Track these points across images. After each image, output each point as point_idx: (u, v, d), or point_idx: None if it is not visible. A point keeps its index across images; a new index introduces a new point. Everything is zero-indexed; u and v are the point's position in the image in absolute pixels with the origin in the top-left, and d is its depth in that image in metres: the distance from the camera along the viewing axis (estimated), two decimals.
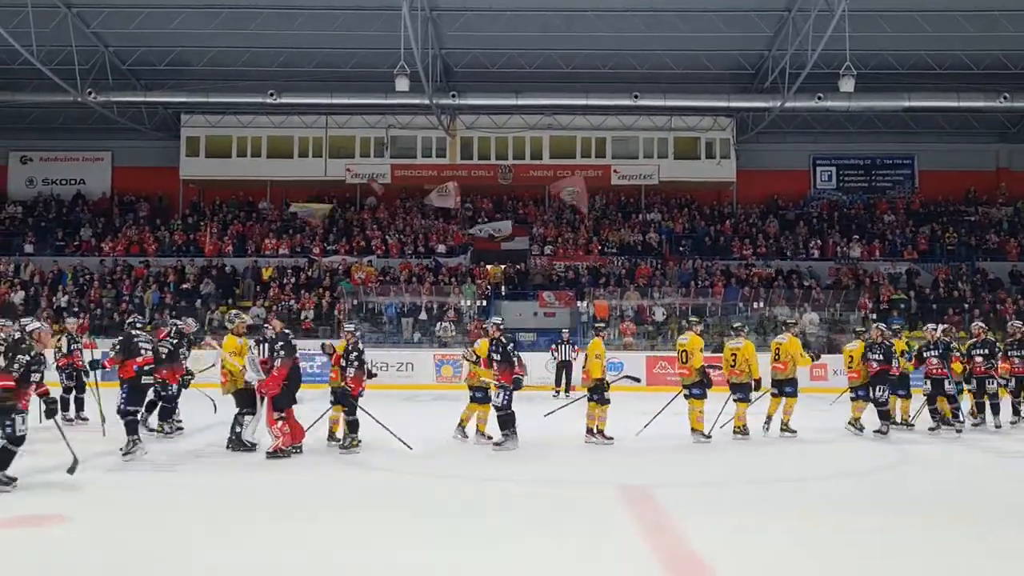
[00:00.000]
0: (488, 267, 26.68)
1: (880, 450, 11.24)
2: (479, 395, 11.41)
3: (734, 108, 27.09)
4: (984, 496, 8.52)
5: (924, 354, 12.71)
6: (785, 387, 12.22)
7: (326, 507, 7.73)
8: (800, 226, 28.61)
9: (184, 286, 25.61)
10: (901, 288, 25.54)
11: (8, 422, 7.86)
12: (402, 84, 20.72)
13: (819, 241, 27.69)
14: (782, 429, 12.17)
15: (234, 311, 11.68)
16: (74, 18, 22.49)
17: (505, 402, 10.80)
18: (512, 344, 11.21)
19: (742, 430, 11.87)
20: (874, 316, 23.29)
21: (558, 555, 6.18)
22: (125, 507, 7.69)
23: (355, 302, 24.57)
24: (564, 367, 19.00)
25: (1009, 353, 13.20)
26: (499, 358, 10.87)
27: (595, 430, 11.47)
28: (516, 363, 11.05)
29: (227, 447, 10.49)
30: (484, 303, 24.81)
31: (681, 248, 27.63)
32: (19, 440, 7.93)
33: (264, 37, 23.67)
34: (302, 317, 23.63)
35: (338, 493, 8.46)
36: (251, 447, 10.45)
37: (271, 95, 24.41)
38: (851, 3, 18.60)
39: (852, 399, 12.77)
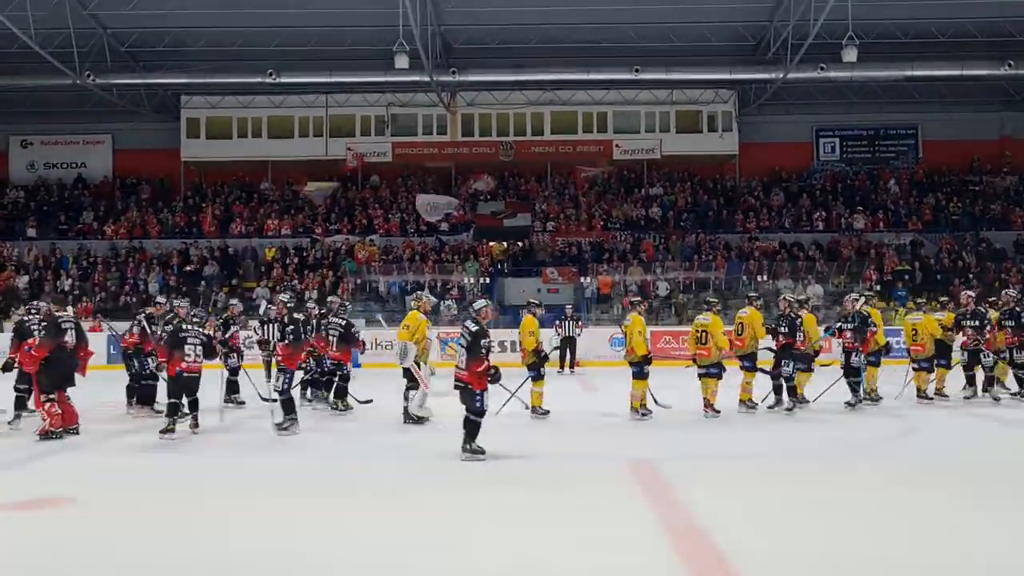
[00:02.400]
0: (491, 244, 26.65)
1: (892, 421, 11.25)
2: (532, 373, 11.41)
3: (736, 80, 26.93)
4: (986, 463, 8.53)
5: (842, 326, 12.48)
6: (868, 358, 12.46)
7: (333, 486, 7.77)
8: (803, 198, 28.51)
9: (188, 268, 25.63)
10: (905, 259, 25.47)
11: (477, 398, 8.52)
12: (401, 61, 20.61)
13: (823, 213, 27.60)
14: (865, 397, 12.43)
15: (420, 290, 11.80)
16: (71, 0, 22.35)
17: (284, 386, 10.38)
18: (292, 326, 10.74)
19: (801, 398, 12.13)
20: (878, 288, 23.27)
21: (564, 527, 6.21)
22: (136, 489, 7.73)
23: (358, 281, 24.59)
24: (568, 343, 19.00)
25: (1003, 323, 13.09)
26: (292, 338, 10.51)
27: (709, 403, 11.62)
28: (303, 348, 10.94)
29: (404, 421, 10.94)
30: (487, 280, 24.82)
31: (683, 222, 27.57)
32: (483, 413, 8.60)
33: (262, 16, 23.50)
34: (305, 297, 23.65)
35: (333, 471, 8.51)
36: (419, 420, 10.73)
37: (270, 75, 24.32)
38: None
39: (915, 370, 12.92)
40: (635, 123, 28.94)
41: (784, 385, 11.86)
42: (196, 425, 10.56)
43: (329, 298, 13.71)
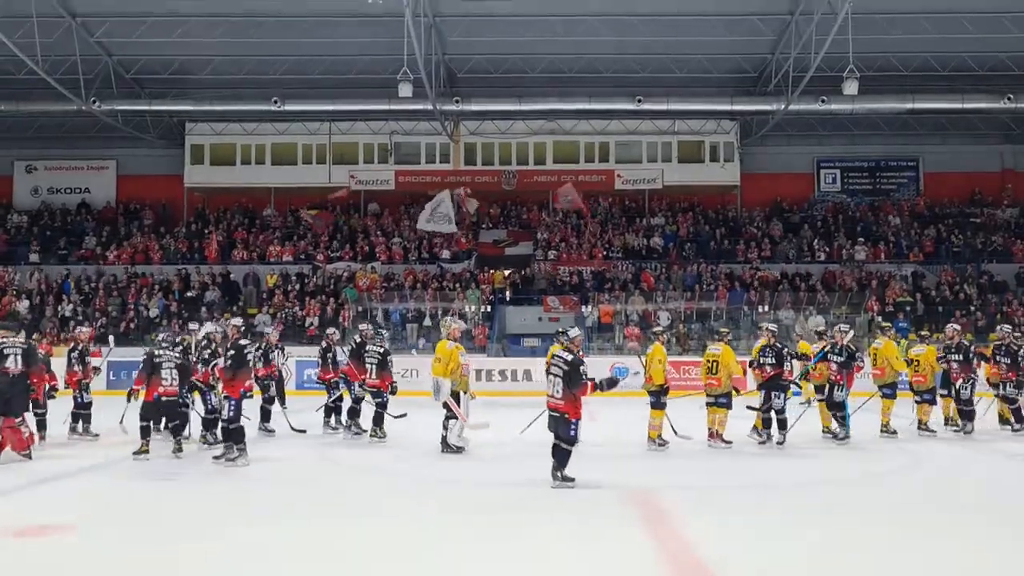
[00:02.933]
0: (492, 272, 26.66)
1: (896, 453, 11.20)
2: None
3: (738, 111, 27.04)
4: (990, 499, 8.48)
5: (829, 356, 12.23)
6: (884, 390, 12.58)
7: (331, 512, 7.71)
8: (805, 229, 28.55)
9: (189, 294, 25.63)
10: (907, 290, 25.45)
11: (572, 427, 8.79)
12: (405, 90, 20.74)
13: (824, 244, 27.63)
14: (882, 431, 12.49)
15: (449, 316, 11.63)
16: (78, 28, 22.58)
17: (232, 414, 10.15)
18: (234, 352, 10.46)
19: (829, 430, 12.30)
20: (880, 318, 23.23)
21: (563, 556, 6.16)
22: (134, 516, 7.68)
23: (360, 309, 24.57)
24: None
25: (997, 358, 13.01)
26: (231, 363, 10.24)
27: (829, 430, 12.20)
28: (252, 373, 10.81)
29: (442, 451, 10.94)
30: (489, 309, 24.79)
31: (685, 252, 27.59)
32: (575, 442, 8.84)
33: (267, 45, 23.76)
34: (306, 324, 23.67)
35: (340, 496, 8.46)
36: (457, 450, 10.84)
37: (275, 102, 24.48)
38: (854, 6, 18.59)
39: (917, 402, 12.89)
40: (637, 153, 29.05)
41: (775, 418, 11.66)
42: (180, 449, 10.60)
43: (361, 326, 13.74)
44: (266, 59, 24.69)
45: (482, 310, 24.59)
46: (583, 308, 24.60)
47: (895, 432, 12.44)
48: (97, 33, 23.21)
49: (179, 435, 10.66)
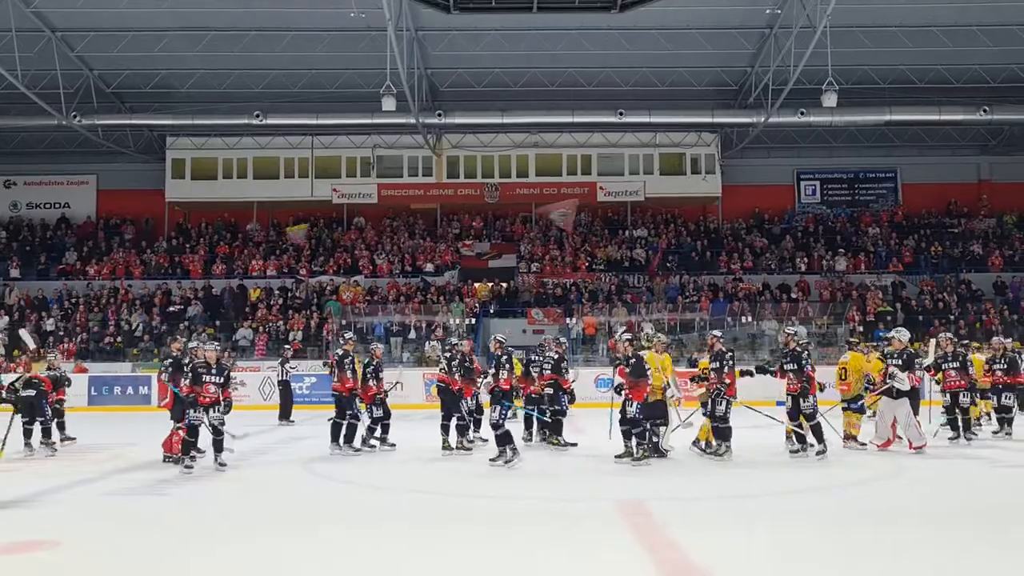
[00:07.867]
0: (476, 285, 26.69)
1: (872, 463, 11.27)
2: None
3: (718, 124, 27.28)
4: (972, 504, 8.55)
5: (785, 367, 11.59)
6: (851, 404, 12.69)
7: (321, 523, 7.67)
8: (786, 240, 28.78)
9: (171, 309, 25.47)
10: (887, 300, 25.68)
11: None
12: (388, 104, 20.77)
13: (805, 255, 27.84)
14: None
15: (648, 331, 12.06)
16: (59, 42, 22.50)
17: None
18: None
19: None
20: (860, 328, 23.44)
21: (555, 570, 6.16)
22: (120, 530, 7.61)
23: (343, 322, 24.51)
24: None
25: (785, 367, 11.90)
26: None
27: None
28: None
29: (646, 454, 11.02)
30: (472, 321, 24.81)
31: (668, 264, 27.73)
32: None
33: (249, 59, 23.75)
34: (290, 338, 23.56)
35: (335, 510, 8.41)
36: (664, 454, 11.17)
37: (257, 116, 24.45)
38: (832, 19, 18.83)
39: (844, 410, 12.84)
40: (619, 165, 29.20)
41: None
42: None
43: (544, 337, 14.85)
44: (248, 73, 24.67)
45: (466, 323, 24.59)
46: (567, 320, 24.66)
47: (864, 445, 12.41)
48: (78, 48, 23.12)
49: None
